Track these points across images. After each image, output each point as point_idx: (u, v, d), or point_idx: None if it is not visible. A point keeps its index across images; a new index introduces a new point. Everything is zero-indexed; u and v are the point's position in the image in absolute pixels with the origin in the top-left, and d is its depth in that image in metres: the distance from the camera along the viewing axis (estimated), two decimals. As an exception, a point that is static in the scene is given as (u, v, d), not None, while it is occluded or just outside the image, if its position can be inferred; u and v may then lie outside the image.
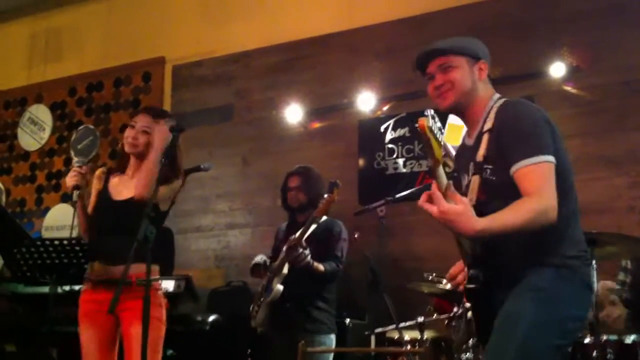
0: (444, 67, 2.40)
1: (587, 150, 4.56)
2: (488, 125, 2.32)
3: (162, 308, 3.28)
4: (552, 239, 2.20)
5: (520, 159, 2.17)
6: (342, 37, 5.75)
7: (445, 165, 2.05)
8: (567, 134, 4.52)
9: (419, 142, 5.19)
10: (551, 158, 2.18)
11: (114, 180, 3.40)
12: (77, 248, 4.03)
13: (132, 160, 3.40)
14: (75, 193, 3.27)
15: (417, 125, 1.93)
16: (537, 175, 2.15)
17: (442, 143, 2.02)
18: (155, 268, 3.35)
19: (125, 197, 3.31)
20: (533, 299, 2.16)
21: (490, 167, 2.23)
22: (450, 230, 2.08)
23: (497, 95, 2.43)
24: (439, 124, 2.03)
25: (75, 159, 3.40)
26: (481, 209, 2.13)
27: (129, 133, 3.37)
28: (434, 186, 2.05)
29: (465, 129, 2.52)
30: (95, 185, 3.42)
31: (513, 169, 2.17)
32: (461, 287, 2.37)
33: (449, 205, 2.00)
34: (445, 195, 2.02)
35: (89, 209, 3.38)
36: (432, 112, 2.02)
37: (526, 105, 2.34)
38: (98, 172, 3.46)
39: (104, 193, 3.36)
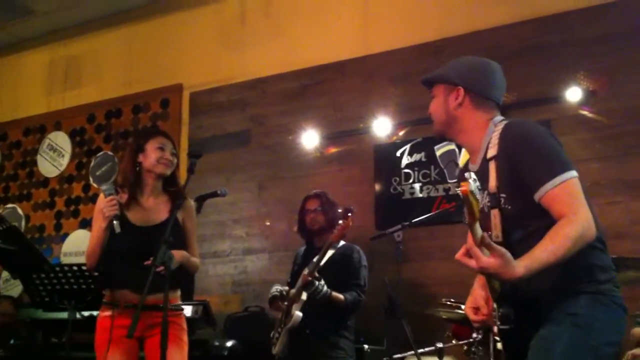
0: (431, 98, 2.43)
1: (605, 174, 4.53)
2: (492, 152, 2.23)
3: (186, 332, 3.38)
4: (584, 266, 2.13)
5: (544, 182, 2.08)
6: (357, 63, 5.78)
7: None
8: (584, 158, 4.58)
9: (436, 167, 5.20)
10: (574, 173, 2.11)
11: (131, 205, 3.37)
12: (96, 274, 4.04)
13: (151, 181, 3.42)
14: (117, 224, 3.22)
15: (459, 190, 1.87)
16: (566, 194, 2.07)
17: (479, 200, 2.00)
18: (178, 293, 3.39)
19: (153, 223, 3.33)
20: (568, 324, 2.09)
21: (503, 195, 2.17)
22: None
23: (499, 118, 2.34)
24: (477, 183, 2.06)
25: (104, 187, 3.34)
26: (506, 242, 2.12)
27: (161, 154, 3.39)
28: (469, 240, 2.00)
29: None
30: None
31: (539, 194, 2.09)
32: (493, 326, 2.31)
33: (487, 260, 1.94)
34: (480, 246, 1.96)
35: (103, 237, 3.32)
36: (473, 174, 2.03)
37: (529, 125, 2.26)
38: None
39: (123, 219, 3.31)
